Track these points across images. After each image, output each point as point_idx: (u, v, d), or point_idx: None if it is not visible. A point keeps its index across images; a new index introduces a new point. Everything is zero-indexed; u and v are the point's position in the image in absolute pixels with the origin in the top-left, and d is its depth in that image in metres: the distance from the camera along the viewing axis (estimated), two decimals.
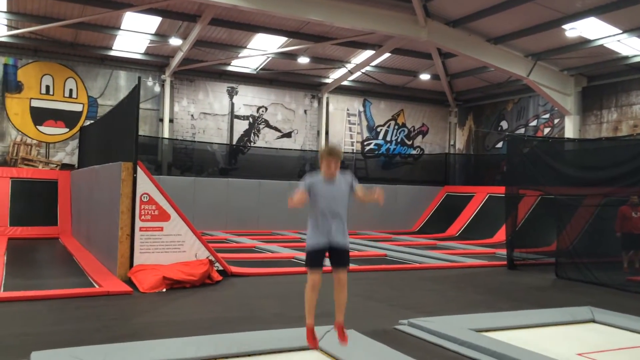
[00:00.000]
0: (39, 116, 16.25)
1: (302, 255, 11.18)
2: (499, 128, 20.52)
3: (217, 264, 8.66)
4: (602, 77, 16.72)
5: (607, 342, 5.59)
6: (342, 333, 4.51)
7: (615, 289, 8.73)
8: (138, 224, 8.30)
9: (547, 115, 18.76)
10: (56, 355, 4.31)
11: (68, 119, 16.63)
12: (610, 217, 10.53)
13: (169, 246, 8.48)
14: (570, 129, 17.05)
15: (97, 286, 7.64)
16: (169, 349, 4.62)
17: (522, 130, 19.34)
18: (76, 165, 16.07)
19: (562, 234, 10.34)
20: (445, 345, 5.14)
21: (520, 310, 6.77)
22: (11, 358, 4.40)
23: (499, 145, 20.26)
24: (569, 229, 10.46)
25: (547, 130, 18.70)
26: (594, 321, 6.40)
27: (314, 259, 4.45)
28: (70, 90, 16.66)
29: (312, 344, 4.55)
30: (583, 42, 14.80)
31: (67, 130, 16.63)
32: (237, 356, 4.64)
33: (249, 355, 4.69)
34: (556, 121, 18.35)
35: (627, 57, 15.16)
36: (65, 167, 16.32)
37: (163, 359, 4.42)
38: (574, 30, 13.96)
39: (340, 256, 4.47)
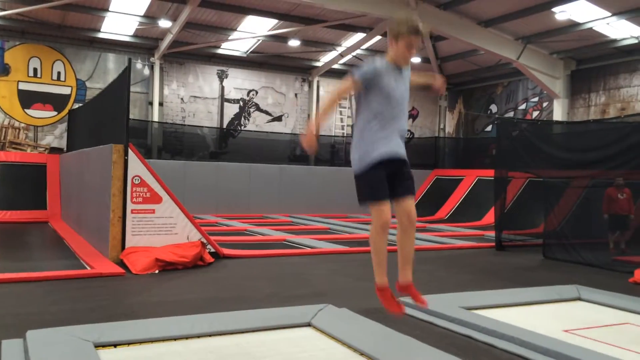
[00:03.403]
0: (27, 99, 16.10)
1: (294, 238, 11.31)
2: (489, 111, 20.62)
3: (209, 246, 8.70)
4: (590, 61, 16.84)
5: (593, 319, 5.72)
6: (417, 294, 3.38)
7: (601, 268, 8.90)
8: (130, 206, 8.31)
9: (536, 99, 18.88)
10: (52, 333, 4.35)
11: (56, 102, 16.49)
12: (596, 199, 10.68)
13: (161, 228, 8.50)
14: (558, 113, 17.19)
15: (89, 268, 7.67)
16: (165, 326, 4.68)
17: (511, 114, 19.46)
18: (65, 149, 15.98)
19: (550, 215, 10.48)
20: (436, 322, 5.24)
21: (508, 289, 6.89)
22: (7, 337, 4.43)
23: (489, 128, 20.39)
24: (556, 210, 10.61)
25: (535, 113, 18.84)
26: (580, 299, 6.53)
27: (376, 183, 3.02)
28: (59, 73, 16.51)
29: (396, 308, 3.35)
30: (572, 25, 14.87)
31: (56, 113, 16.51)
32: (232, 333, 4.71)
33: (243, 332, 4.76)
34: (545, 104, 18.48)
35: (615, 40, 15.27)
36: (54, 150, 16.22)
37: (158, 336, 4.49)
38: (563, 13, 14.03)
39: (407, 179, 3.12)
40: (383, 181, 3.09)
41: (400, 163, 3.11)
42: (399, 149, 3.05)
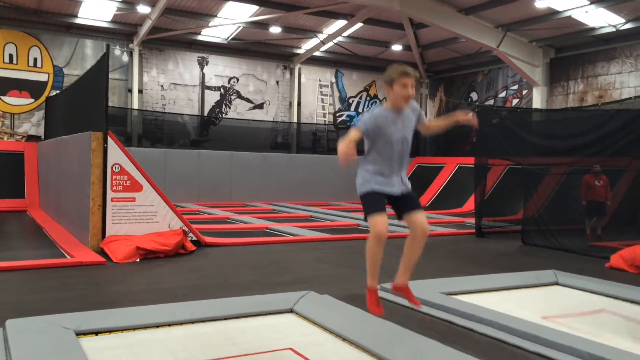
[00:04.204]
0: (3, 86, 15.78)
1: (276, 226, 11.33)
2: (469, 99, 20.76)
3: (190, 234, 8.67)
4: (569, 49, 17.02)
5: (570, 304, 5.84)
6: (412, 295, 3.83)
7: (578, 254, 9.07)
8: (110, 194, 8.23)
9: (515, 87, 19.05)
10: (32, 322, 4.31)
11: (33, 89, 16.20)
12: (574, 186, 10.86)
13: (142, 217, 8.44)
14: (537, 100, 17.38)
15: (69, 257, 7.60)
16: (146, 314, 4.67)
17: (491, 102, 19.61)
18: (43, 137, 15.73)
19: (529, 202, 10.63)
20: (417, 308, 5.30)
21: (488, 275, 7.00)
22: None
23: None
24: (535, 197, 10.76)
25: (515, 101, 19.01)
26: (557, 284, 6.66)
27: (376, 200, 3.54)
28: (35, 59, 16.20)
29: (376, 310, 3.78)
30: (552, 13, 15.00)
31: (33, 100, 16.22)
32: (214, 320, 4.72)
33: (225, 319, 4.77)
34: (524, 92, 18.65)
35: (593, 29, 15.44)
36: (31, 138, 15.95)
37: (140, 324, 4.48)
38: (543, 1, 14.13)
39: (412, 198, 3.68)
40: (380, 198, 3.58)
41: (400, 194, 3.67)
42: (397, 189, 3.60)
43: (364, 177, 3.60)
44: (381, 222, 3.52)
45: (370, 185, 3.59)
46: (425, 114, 22.48)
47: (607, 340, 4.38)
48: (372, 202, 3.56)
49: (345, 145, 3.31)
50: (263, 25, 17.26)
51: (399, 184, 3.65)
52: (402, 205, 3.67)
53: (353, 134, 3.41)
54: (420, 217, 3.66)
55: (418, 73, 3.51)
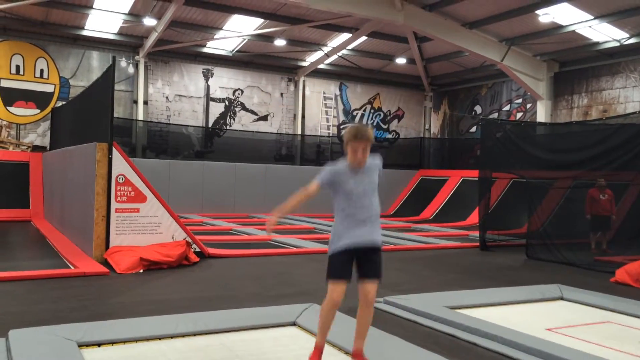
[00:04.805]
0: (9, 97, 15.89)
1: (279, 237, 11.31)
2: (473, 112, 20.78)
3: (194, 246, 8.67)
4: (573, 63, 17.05)
5: (575, 318, 5.80)
6: None
7: (583, 268, 9.01)
8: (114, 205, 8.25)
9: (519, 100, 19.07)
10: (35, 333, 4.31)
11: (39, 99, 16.31)
12: (578, 200, 10.83)
13: (146, 228, 8.45)
14: (542, 114, 17.38)
15: (72, 267, 7.60)
16: (149, 326, 4.66)
17: (495, 115, 19.63)
18: (48, 147, 15.80)
19: (533, 216, 10.60)
20: (421, 321, 5.28)
21: (492, 289, 6.96)
22: None
23: (473, 129, 20.54)
24: (539, 211, 10.72)
25: (519, 115, 19.02)
26: (562, 298, 6.62)
27: (338, 267, 3.60)
28: (42, 71, 16.33)
29: None
30: (556, 28, 15.05)
31: (39, 111, 16.32)
32: (216, 332, 4.71)
33: (228, 331, 4.76)
34: (528, 106, 18.67)
35: (597, 43, 15.48)
36: (36, 148, 16.02)
37: (142, 335, 4.47)
38: (547, 15, 14.20)
39: (371, 263, 3.64)
40: (345, 266, 3.60)
41: (366, 249, 3.61)
42: (361, 239, 3.55)
43: (333, 235, 3.66)
44: (338, 291, 3.59)
45: (335, 247, 3.62)
46: (429, 127, 22.51)
47: (611, 348, 4.34)
48: (335, 268, 3.61)
49: (272, 218, 3.82)
50: (268, 38, 17.37)
51: (362, 238, 3.61)
52: (363, 269, 3.66)
53: (311, 189, 3.68)
54: (368, 288, 3.65)
55: (372, 133, 3.51)
